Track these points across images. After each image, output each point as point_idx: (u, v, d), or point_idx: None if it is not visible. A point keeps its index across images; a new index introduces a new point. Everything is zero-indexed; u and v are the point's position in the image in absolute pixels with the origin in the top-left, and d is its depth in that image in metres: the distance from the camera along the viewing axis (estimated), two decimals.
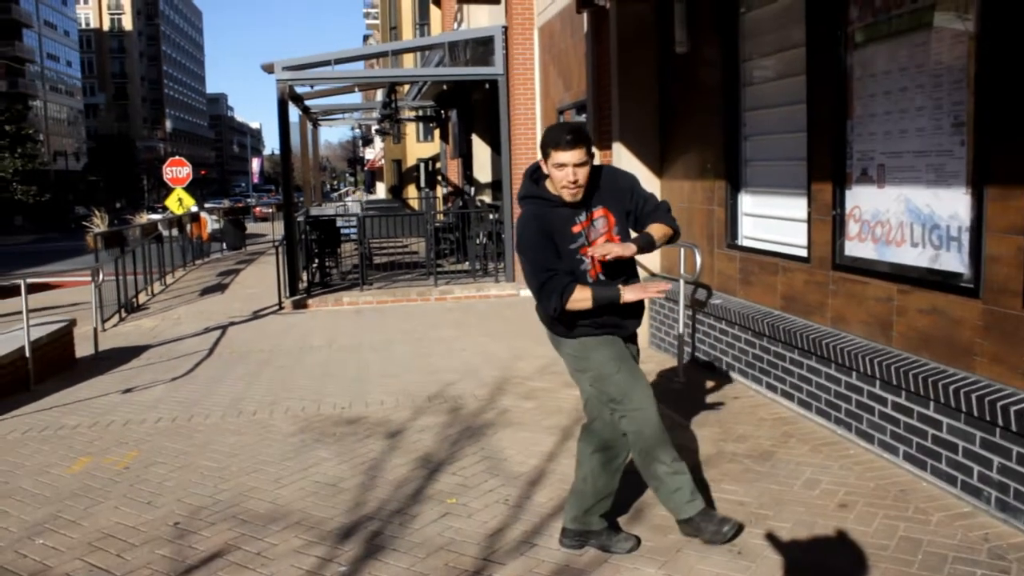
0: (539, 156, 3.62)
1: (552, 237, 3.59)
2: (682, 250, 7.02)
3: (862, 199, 5.06)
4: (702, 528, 3.79)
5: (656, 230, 3.70)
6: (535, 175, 3.70)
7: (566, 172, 3.48)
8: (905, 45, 4.61)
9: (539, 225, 3.61)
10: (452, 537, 4.05)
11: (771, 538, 3.85)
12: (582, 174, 3.51)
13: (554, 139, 3.49)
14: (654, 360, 7.59)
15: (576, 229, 3.62)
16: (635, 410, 3.70)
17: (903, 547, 3.71)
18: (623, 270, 3.77)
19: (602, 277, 3.67)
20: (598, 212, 3.67)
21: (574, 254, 3.62)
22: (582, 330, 3.72)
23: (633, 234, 3.77)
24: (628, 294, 3.57)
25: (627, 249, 3.53)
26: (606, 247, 3.51)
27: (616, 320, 3.75)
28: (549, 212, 3.62)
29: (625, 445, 3.78)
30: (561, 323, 3.71)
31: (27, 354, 7.92)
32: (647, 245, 3.65)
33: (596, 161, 8.06)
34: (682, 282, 6.92)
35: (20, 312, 8.20)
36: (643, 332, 8.15)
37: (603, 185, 3.69)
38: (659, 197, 7.85)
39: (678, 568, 3.62)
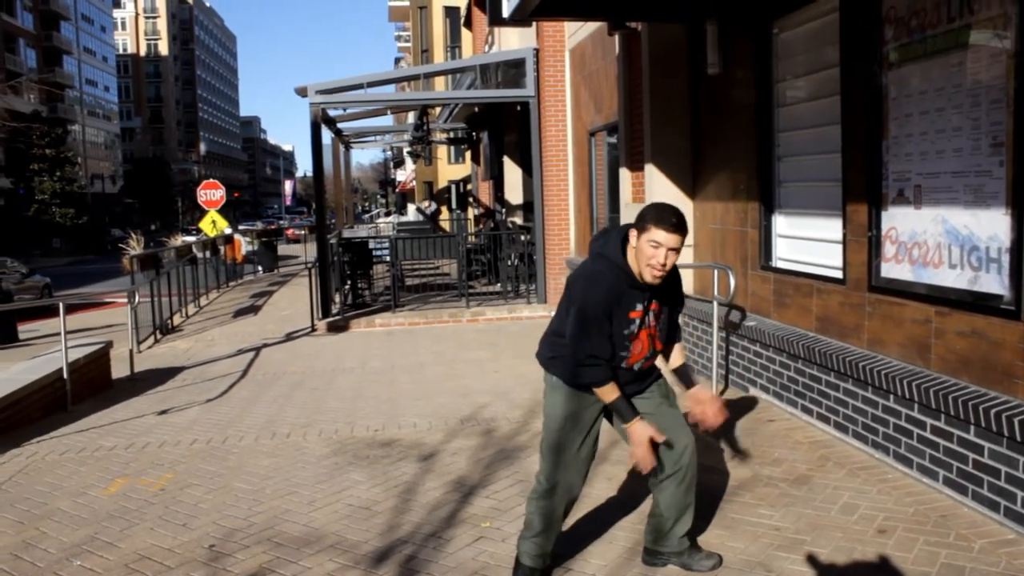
0: (633, 227, 3.47)
1: (612, 315, 3.48)
2: (716, 272, 6.97)
3: (898, 220, 5.01)
4: None
5: (682, 355, 3.83)
6: (623, 239, 3.54)
7: (658, 253, 3.35)
8: (941, 65, 4.57)
9: (610, 297, 3.46)
10: (486, 561, 4.04)
11: (809, 563, 3.80)
12: (672, 260, 3.40)
13: (658, 217, 3.38)
14: None
15: (634, 315, 3.52)
16: (550, 489, 3.68)
17: (945, 574, 3.64)
18: (666, 341, 3.76)
19: (637, 367, 3.62)
20: (655, 304, 3.58)
21: (624, 338, 3.53)
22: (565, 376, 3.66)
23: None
24: (635, 435, 3.46)
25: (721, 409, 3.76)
26: (714, 418, 3.74)
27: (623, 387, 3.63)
28: (626, 289, 3.48)
29: (689, 464, 3.70)
30: (561, 367, 3.66)
31: (65, 375, 8.03)
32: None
33: (628, 185, 7.97)
34: (716, 304, 6.88)
35: (59, 333, 8.32)
36: None
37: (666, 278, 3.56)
38: (692, 219, 7.88)
39: None
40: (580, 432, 3.66)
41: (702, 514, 4.43)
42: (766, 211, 6.58)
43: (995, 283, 4.25)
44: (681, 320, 8.01)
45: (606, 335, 3.46)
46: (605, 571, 3.86)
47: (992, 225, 4.26)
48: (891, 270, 5.10)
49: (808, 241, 6.17)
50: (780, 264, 6.53)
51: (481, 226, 18.93)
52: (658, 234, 3.34)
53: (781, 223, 6.53)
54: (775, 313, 6.51)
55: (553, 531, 3.76)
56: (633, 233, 3.43)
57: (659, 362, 3.82)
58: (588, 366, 3.45)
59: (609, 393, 3.47)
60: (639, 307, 3.50)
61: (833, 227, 5.70)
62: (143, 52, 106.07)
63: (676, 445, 3.65)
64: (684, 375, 3.78)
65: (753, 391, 6.76)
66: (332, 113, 15.75)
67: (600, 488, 4.90)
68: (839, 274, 5.62)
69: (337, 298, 13.94)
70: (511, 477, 5.23)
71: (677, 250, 3.39)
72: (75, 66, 76.09)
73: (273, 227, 49.79)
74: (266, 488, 5.31)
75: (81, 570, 4.20)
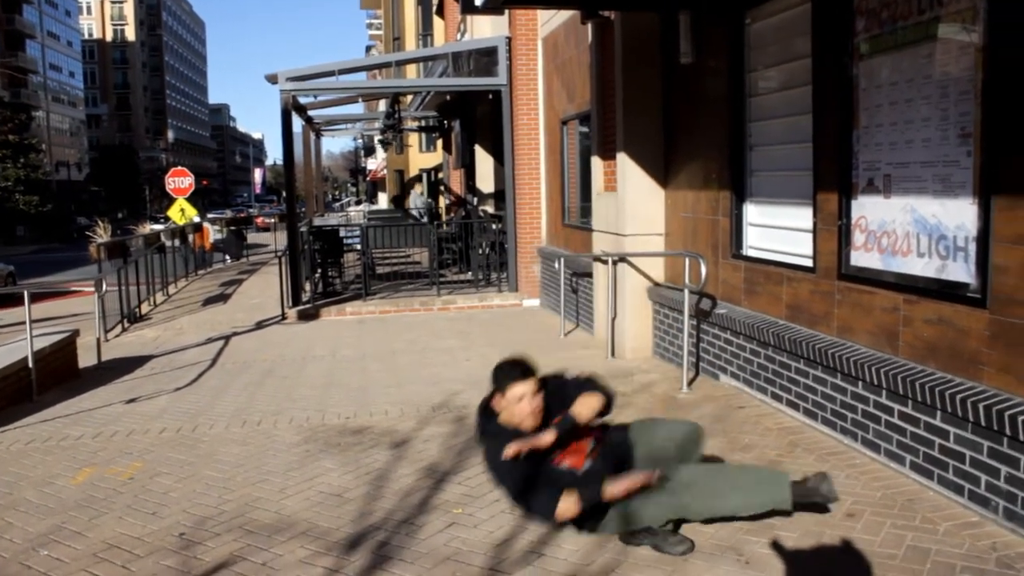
0: (495, 392, 3.84)
1: (526, 461, 3.77)
2: (687, 260, 7.01)
3: (868, 209, 5.06)
4: None
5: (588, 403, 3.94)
6: (488, 411, 3.89)
7: (525, 402, 3.72)
8: (911, 56, 4.62)
9: (518, 458, 3.76)
10: (459, 547, 4.04)
11: (778, 548, 3.84)
12: (539, 400, 3.76)
13: (508, 376, 3.77)
14: (658, 369, 7.59)
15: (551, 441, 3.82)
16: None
17: (911, 556, 3.70)
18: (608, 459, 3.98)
19: (587, 467, 3.86)
20: (556, 419, 3.85)
21: (550, 468, 3.79)
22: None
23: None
24: (614, 488, 3.72)
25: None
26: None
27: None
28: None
29: (674, 448, 4.03)
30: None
31: (30, 364, 7.92)
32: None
33: (600, 174, 8.07)
34: (687, 292, 6.92)
35: (23, 322, 8.20)
36: (647, 342, 8.16)
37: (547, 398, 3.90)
38: (664, 207, 7.92)
39: None
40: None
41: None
42: (737, 200, 6.62)
43: (962, 271, 4.31)
44: (651, 307, 8.06)
45: (530, 478, 3.75)
46: (577, 555, 3.87)
47: (960, 214, 4.31)
48: (860, 258, 5.15)
49: (779, 230, 6.22)
50: (751, 252, 6.57)
51: (452, 215, 18.88)
52: (518, 388, 3.73)
53: (752, 212, 6.58)
54: (746, 301, 6.56)
55: None
56: (497, 398, 3.78)
57: None
58: (535, 509, 3.78)
59: (570, 506, 3.73)
60: (544, 434, 3.80)
61: (804, 216, 5.75)
62: (109, 37, 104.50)
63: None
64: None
65: (724, 378, 6.81)
66: (303, 100, 15.63)
67: None
68: (809, 262, 5.67)
69: (307, 286, 13.87)
70: (482, 464, 5.22)
71: (536, 390, 3.78)
72: (39, 51, 74.90)
73: (243, 215, 49.42)
74: (237, 476, 5.28)
75: (48, 560, 4.15)
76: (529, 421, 3.74)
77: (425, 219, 18.95)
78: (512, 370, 3.77)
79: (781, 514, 4.00)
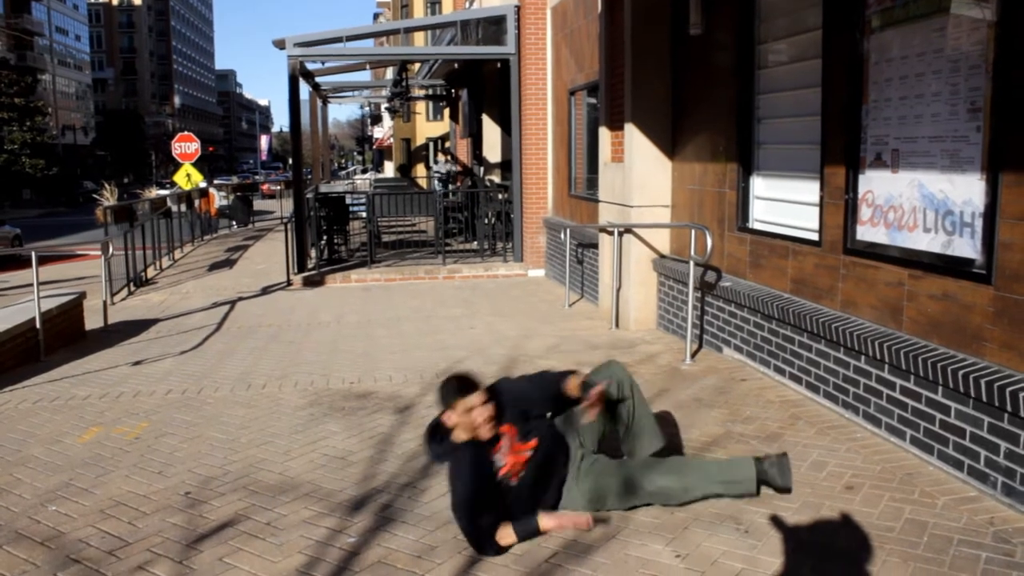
0: (443, 411, 3.84)
1: (484, 477, 3.78)
2: (693, 232, 7.02)
3: (875, 184, 5.06)
4: None
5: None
6: (436, 434, 3.89)
7: (476, 412, 3.73)
8: (922, 30, 4.59)
9: (473, 470, 3.75)
10: None
11: (777, 518, 3.88)
12: (489, 410, 3.76)
13: (454, 390, 3.77)
14: (662, 341, 7.61)
15: (496, 454, 3.83)
16: None
17: (909, 529, 3.74)
18: (548, 467, 3.97)
19: (516, 483, 3.85)
20: (503, 429, 3.88)
21: (497, 478, 3.82)
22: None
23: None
24: (547, 522, 3.75)
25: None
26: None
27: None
28: (477, 454, 3.78)
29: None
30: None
31: (38, 325, 7.97)
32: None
33: (608, 144, 8.01)
34: (692, 264, 6.93)
35: (30, 284, 8.25)
36: (651, 314, 8.19)
37: (501, 408, 3.90)
38: (670, 179, 7.91)
39: (685, 544, 3.66)
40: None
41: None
42: (744, 172, 6.61)
43: (968, 247, 4.31)
44: (656, 279, 8.08)
45: (483, 498, 3.72)
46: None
47: (967, 190, 4.31)
48: (866, 233, 5.15)
49: (785, 203, 6.21)
50: (757, 225, 6.57)
51: (459, 184, 18.85)
52: (466, 402, 3.73)
53: (759, 185, 6.57)
54: (750, 274, 6.57)
55: None
56: (447, 415, 3.80)
57: None
58: (477, 539, 3.71)
59: (506, 535, 3.71)
60: (494, 451, 3.83)
61: (810, 189, 5.74)
62: (116, 1, 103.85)
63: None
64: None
65: (727, 351, 6.84)
66: (310, 67, 15.58)
67: None
68: (815, 236, 5.68)
69: (313, 253, 13.89)
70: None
71: (487, 401, 3.78)
72: (44, 13, 74.47)
73: (248, 182, 49.34)
74: (241, 438, 5.33)
75: (56, 515, 4.21)
76: (484, 431, 3.78)
77: (439, 187, 18.86)
78: (459, 385, 3.80)
79: (748, 496, 4.07)
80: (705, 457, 4.65)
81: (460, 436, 3.79)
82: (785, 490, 4.07)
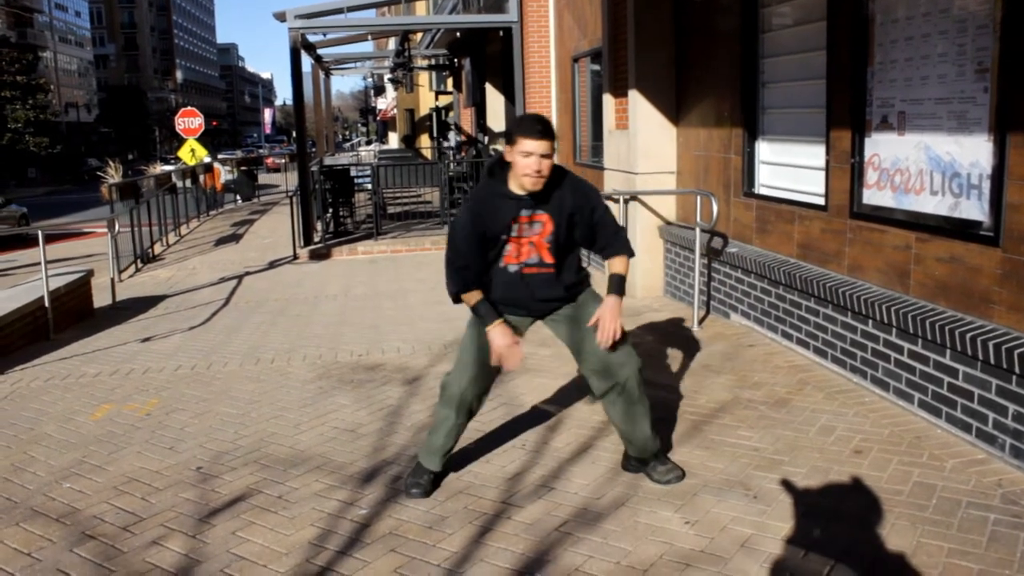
0: (506, 144, 3.65)
1: (484, 229, 3.68)
2: (699, 198, 6.99)
3: (881, 147, 5.02)
4: None
5: (620, 266, 3.81)
6: (493, 169, 3.77)
7: (532, 161, 3.53)
8: None
9: (474, 215, 3.70)
10: (471, 481, 4.11)
11: (786, 483, 3.90)
12: (546, 166, 3.56)
13: (525, 127, 3.56)
14: (669, 308, 7.61)
15: (512, 222, 3.70)
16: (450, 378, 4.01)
17: (917, 492, 3.75)
18: (564, 256, 3.84)
19: (514, 269, 3.77)
20: (540, 216, 3.72)
21: (499, 242, 3.72)
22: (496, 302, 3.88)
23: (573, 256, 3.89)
24: (495, 334, 3.69)
25: (617, 319, 3.70)
26: (607, 332, 3.68)
27: (514, 305, 3.86)
28: (496, 200, 3.70)
29: (628, 377, 3.84)
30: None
31: (47, 304, 8.01)
32: (621, 290, 3.79)
33: (612, 111, 7.97)
34: (698, 230, 6.91)
35: (38, 263, 8.27)
36: (658, 281, 8.18)
37: (559, 194, 3.72)
38: (675, 146, 7.87)
39: (695, 511, 3.68)
40: (474, 340, 3.90)
41: (683, 436, 4.54)
42: (749, 138, 6.57)
43: (975, 210, 4.29)
44: (662, 246, 8.06)
45: (471, 245, 3.67)
46: (588, 489, 3.94)
47: (974, 152, 4.27)
48: (873, 197, 5.13)
49: (791, 168, 6.18)
50: (763, 191, 6.54)
51: (463, 154, 18.78)
52: (526, 144, 3.51)
53: (764, 150, 6.53)
54: (757, 239, 6.55)
55: (439, 433, 4.02)
56: (507, 149, 3.61)
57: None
58: (458, 273, 3.70)
59: (471, 298, 3.71)
60: (516, 216, 3.68)
61: (816, 154, 5.70)
62: None
63: (610, 361, 3.81)
64: (611, 283, 3.81)
65: (735, 317, 6.83)
66: (312, 39, 15.49)
67: (583, 411, 4.97)
68: (821, 201, 5.65)
69: (319, 226, 13.90)
70: (495, 400, 5.28)
71: (548, 155, 3.55)
72: None
73: (253, 156, 49.26)
74: (252, 412, 5.36)
75: (71, 492, 4.25)
76: (528, 183, 3.58)
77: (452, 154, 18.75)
78: (530, 124, 3.56)
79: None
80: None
81: (502, 180, 3.69)
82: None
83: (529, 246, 3.74)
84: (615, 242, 3.86)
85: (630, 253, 3.88)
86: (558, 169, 3.70)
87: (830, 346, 5.46)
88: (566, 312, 3.91)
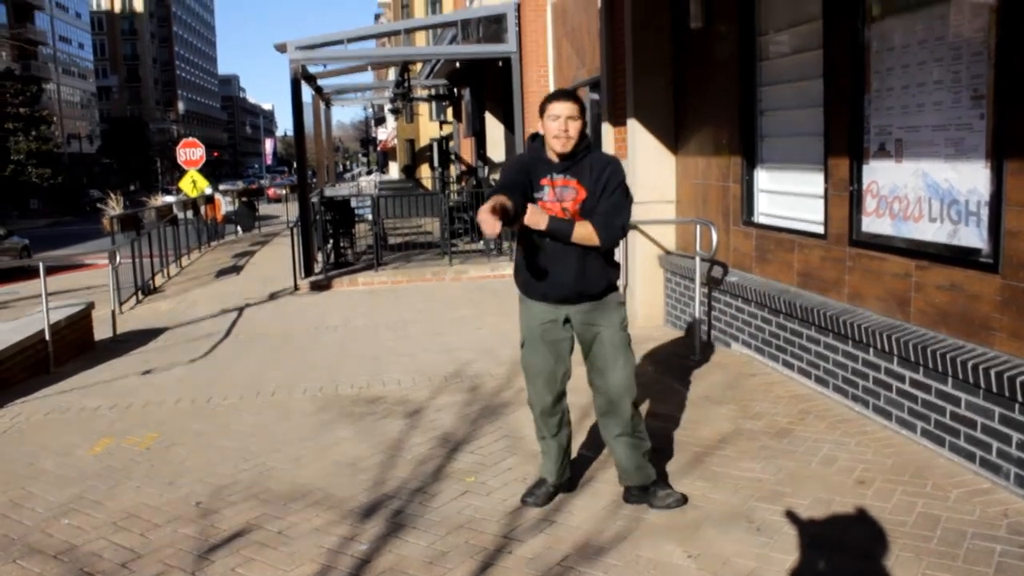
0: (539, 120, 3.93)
1: (529, 175, 3.88)
2: (698, 227, 6.99)
3: (879, 174, 5.03)
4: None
5: (581, 227, 3.83)
6: (534, 138, 4.04)
7: (559, 123, 3.77)
8: (924, 18, 4.56)
9: (522, 164, 3.97)
10: (471, 515, 4.08)
11: (789, 514, 3.87)
12: (573, 127, 3.79)
13: (551, 96, 3.89)
14: (670, 337, 7.59)
15: (544, 182, 3.87)
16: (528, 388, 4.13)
17: (921, 523, 3.72)
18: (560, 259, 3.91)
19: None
20: (571, 182, 3.86)
21: (534, 202, 3.84)
22: (523, 286, 4.06)
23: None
24: (483, 205, 3.54)
25: (536, 218, 3.75)
26: (530, 213, 3.75)
27: (544, 283, 3.93)
28: (534, 161, 3.93)
29: (619, 400, 3.95)
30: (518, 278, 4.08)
31: (47, 337, 8.00)
32: (558, 232, 3.80)
33: (611, 140, 7.94)
34: (698, 259, 6.91)
35: (39, 295, 8.27)
36: (659, 310, 8.17)
37: (589, 162, 3.89)
38: (674, 174, 7.88)
39: (697, 544, 3.64)
40: (537, 347, 4.00)
41: (685, 467, 4.51)
42: (748, 166, 6.59)
43: (974, 237, 4.29)
44: (662, 275, 8.06)
45: (514, 184, 3.80)
46: (590, 523, 3.92)
47: (972, 179, 4.28)
48: (872, 224, 5.13)
49: (790, 196, 6.19)
50: (762, 219, 6.55)
51: (463, 184, 18.84)
52: (553, 107, 3.80)
53: (763, 178, 6.54)
54: (757, 268, 6.55)
55: (547, 448, 4.15)
56: (539, 123, 3.91)
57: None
58: (492, 190, 3.78)
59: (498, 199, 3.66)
60: (547, 178, 3.86)
61: (815, 181, 5.71)
62: (118, 8, 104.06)
63: (608, 383, 3.95)
64: (564, 221, 3.84)
65: (735, 346, 6.82)
66: (312, 70, 15.59)
67: (584, 444, 4.94)
68: (820, 229, 5.65)
69: (319, 257, 13.90)
70: (496, 432, 5.27)
71: (574, 117, 3.79)
72: (47, 22, 74.66)
73: (254, 187, 49.43)
74: (252, 446, 5.33)
75: (69, 528, 4.22)
76: (557, 144, 3.80)
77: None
78: (557, 92, 3.86)
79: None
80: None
81: (547, 152, 3.89)
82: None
83: (563, 212, 3.84)
84: (598, 215, 3.85)
85: (601, 232, 3.81)
86: (588, 142, 3.92)
87: (831, 375, 5.44)
88: (588, 317, 3.96)
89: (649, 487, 4.05)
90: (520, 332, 4.10)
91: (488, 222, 3.36)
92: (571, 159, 3.85)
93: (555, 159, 3.86)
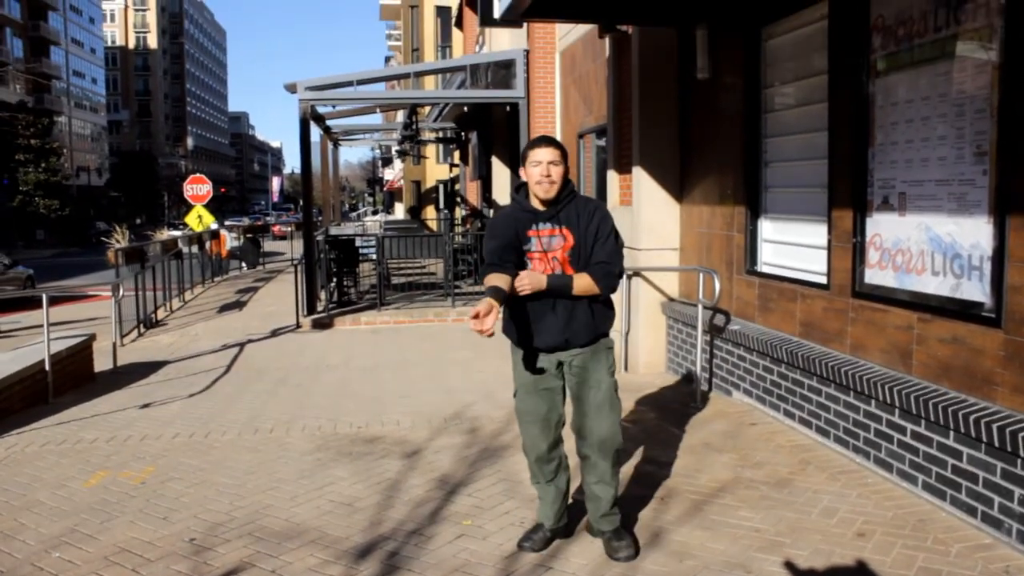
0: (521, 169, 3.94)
1: (516, 230, 3.88)
2: (701, 275, 7.01)
3: (883, 227, 5.05)
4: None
5: (579, 280, 3.85)
6: (517, 190, 4.03)
7: (541, 168, 3.79)
8: (928, 74, 4.62)
9: (507, 220, 3.94)
10: (467, 559, 4.04)
11: (788, 565, 3.83)
12: (556, 172, 3.81)
13: (531, 143, 3.90)
14: (671, 385, 7.57)
15: (531, 234, 3.88)
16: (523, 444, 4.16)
17: None
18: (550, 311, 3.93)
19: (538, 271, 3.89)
20: (557, 231, 3.88)
21: (523, 255, 3.88)
22: (513, 337, 4.04)
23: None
24: (482, 304, 3.48)
25: (536, 283, 3.74)
26: (521, 278, 3.72)
27: (533, 334, 3.93)
28: (516, 214, 3.94)
29: (600, 449, 3.96)
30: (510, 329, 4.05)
31: (47, 367, 7.99)
32: (559, 289, 3.83)
33: (616, 187, 8.02)
34: (700, 307, 6.91)
35: (41, 325, 8.28)
36: (660, 357, 8.15)
37: (575, 209, 3.92)
38: (679, 222, 7.92)
39: None
40: (530, 394, 4.03)
41: (684, 516, 4.47)
42: (752, 216, 6.62)
43: (977, 291, 4.29)
44: (665, 322, 8.05)
45: (508, 245, 3.81)
46: (586, 569, 3.88)
47: (975, 233, 4.30)
48: (875, 276, 5.14)
49: (793, 246, 6.21)
50: (765, 269, 6.57)
51: (468, 226, 18.92)
52: (535, 153, 3.82)
53: (767, 228, 6.57)
54: (759, 317, 6.55)
55: (544, 493, 4.13)
56: (522, 171, 3.91)
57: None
58: (487, 267, 3.78)
59: (491, 279, 3.68)
60: (534, 228, 3.87)
61: (818, 233, 5.74)
62: (132, 45, 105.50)
63: (592, 430, 3.96)
64: (564, 277, 3.86)
65: (736, 394, 6.79)
66: (321, 110, 15.73)
67: (581, 489, 4.91)
68: (823, 279, 5.66)
69: (323, 295, 13.91)
70: (494, 475, 5.23)
71: (556, 163, 3.81)
72: (62, 57, 75.63)
73: (260, 223, 49.60)
74: (248, 483, 5.30)
75: (60, 562, 4.18)
76: (539, 190, 3.81)
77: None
78: (536, 139, 3.86)
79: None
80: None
81: (525, 199, 3.92)
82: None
83: (553, 261, 3.86)
84: (598, 265, 3.88)
85: (601, 282, 3.85)
86: (572, 188, 3.94)
87: (833, 426, 5.41)
88: (578, 361, 3.97)
89: (607, 532, 4.04)
90: (513, 380, 4.12)
91: (479, 328, 3.36)
92: (555, 205, 3.88)
93: (540, 207, 3.89)
